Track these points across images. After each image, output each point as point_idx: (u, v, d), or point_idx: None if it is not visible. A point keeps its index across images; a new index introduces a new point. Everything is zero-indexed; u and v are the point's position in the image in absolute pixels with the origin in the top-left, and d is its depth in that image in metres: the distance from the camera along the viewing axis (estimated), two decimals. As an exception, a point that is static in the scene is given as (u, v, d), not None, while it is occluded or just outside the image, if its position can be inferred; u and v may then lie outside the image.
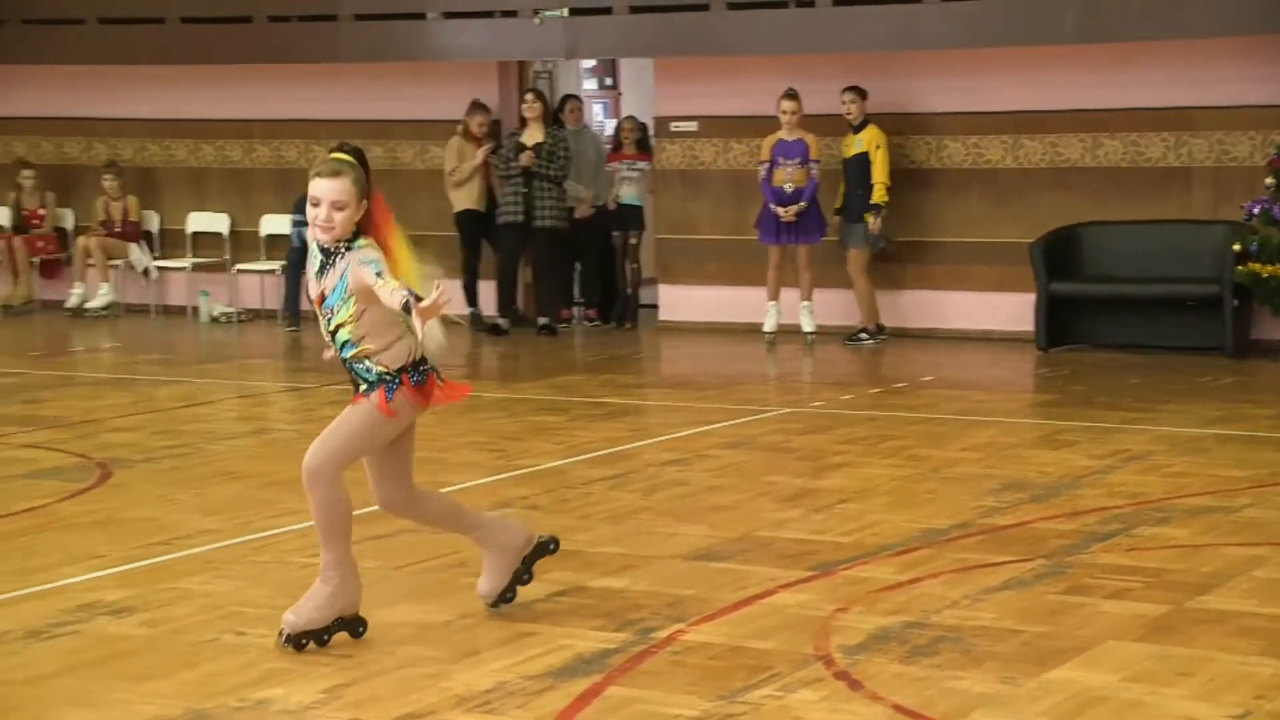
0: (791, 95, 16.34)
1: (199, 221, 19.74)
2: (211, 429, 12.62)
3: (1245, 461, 10.76)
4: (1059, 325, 15.94)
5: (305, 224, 17.74)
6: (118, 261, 19.43)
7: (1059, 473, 10.40)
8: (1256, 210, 14.86)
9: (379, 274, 6.57)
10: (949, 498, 9.71)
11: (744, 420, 12.46)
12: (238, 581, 7.97)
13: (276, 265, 18.85)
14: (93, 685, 6.49)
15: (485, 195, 17.78)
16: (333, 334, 6.81)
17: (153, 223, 19.88)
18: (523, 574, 7.38)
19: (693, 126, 17.84)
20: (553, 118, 17.94)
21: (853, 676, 6.51)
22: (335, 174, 6.61)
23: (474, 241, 17.87)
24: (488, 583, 7.34)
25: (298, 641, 6.75)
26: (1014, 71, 16.39)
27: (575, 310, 18.51)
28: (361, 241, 6.70)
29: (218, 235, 19.62)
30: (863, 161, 16.29)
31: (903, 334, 16.78)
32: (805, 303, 16.58)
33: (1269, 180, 14.83)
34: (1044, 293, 15.86)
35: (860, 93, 16.31)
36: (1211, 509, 9.44)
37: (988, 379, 14.76)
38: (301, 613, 6.77)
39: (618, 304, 18.47)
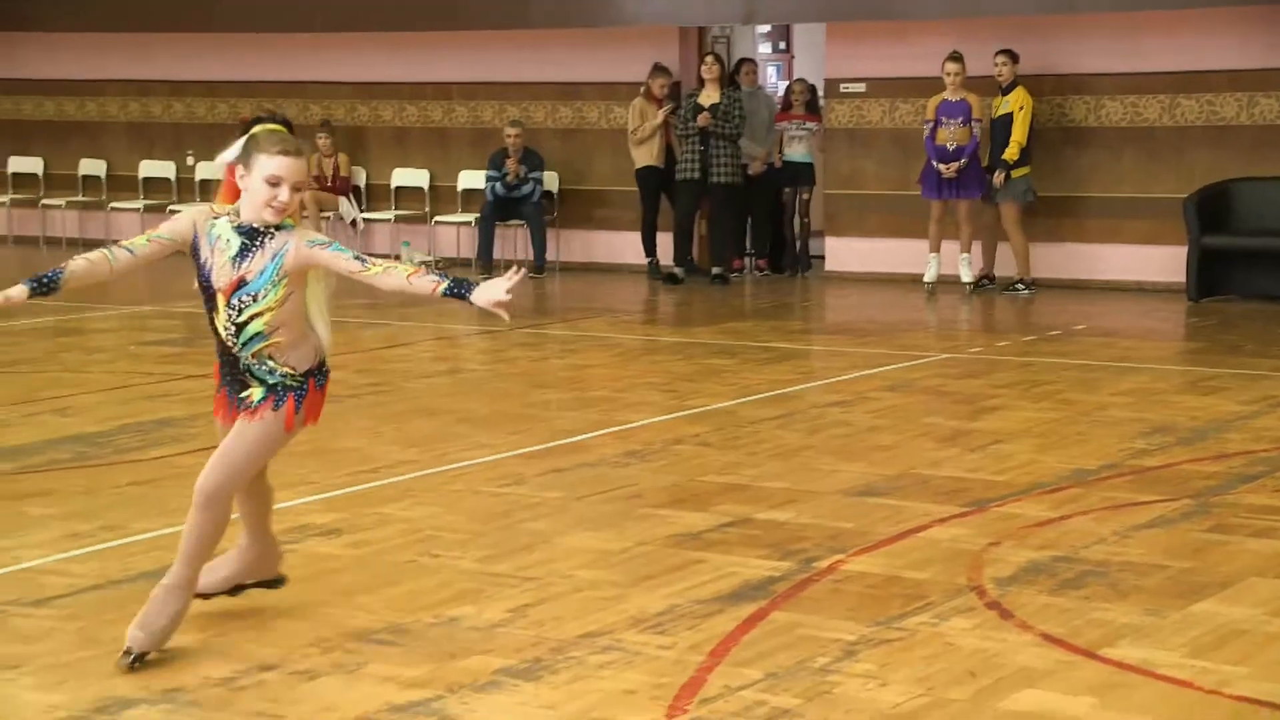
0: (956, 58, 16.28)
1: (402, 177, 19.94)
2: (410, 368, 12.78)
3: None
4: (1209, 277, 15.77)
5: (499, 179, 18.24)
6: (329, 213, 19.70)
7: (1206, 417, 10.30)
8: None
9: (359, 258, 5.97)
10: (1099, 440, 9.64)
11: (904, 365, 12.43)
12: (433, 508, 8.09)
13: (471, 217, 19.01)
14: (303, 599, 6.62)
15: (664, 152, 17.83)
16: (239, 326, 5.83)
17: (360, 178, 20.12)
18: (238, 590, 6.42)
19: (861, 88, 17.78)
20: (729, 80, 17.94)
21: (1003, 606, 6.50)
22: (300, 153, 5.89)
23: (653, 196, 17.93)
24: (219, 572, 6.34)
25: (142, 658, 5.81)
26: (1171, 34, 16.17)
27: (746, 261, 18.52)
28: (290, 222, 5.89)
29: (418, 189, 19.81)
30: (1007, 121, 16.25)
31: (1057, 285, 16.65)
32: (964, 255, 16.58)
33: None
34: (1196, 246, 15.71)
35: (1012, 56, 16.24)
36: (1352, 455, 9.32)
37: (1138, 328, 14.60)
38: (153, 630, 5.83)
39: (786, 255, 18.49)
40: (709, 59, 17.67)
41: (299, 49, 20.00)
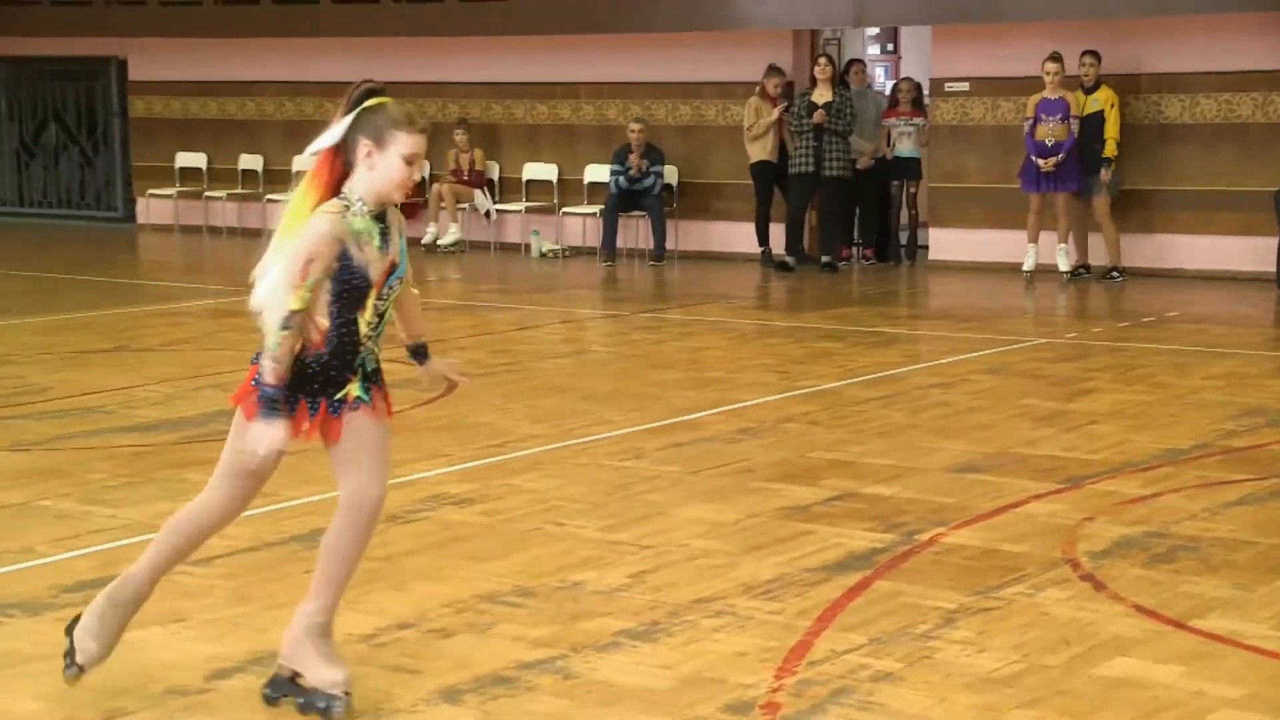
0: (1056, 58, 16.14)
1: (532, 170, 20.00)
2: (538, 349, 12.83)
3: None
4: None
5: (623, 173, 18.27)
6: (465, 205, 19.81)
7: (1292, 401, 10.17)
8: None
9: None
10: (1191, 421, 9.53)
11: (1003, 349, 12.33)
12: (559, 480, 8.12)
13: (596, 209, 19.03)
14: (438, 563, 6.68)
15: (778, 148, 17.78)
16: (381, 316, 5.13)
17: (494, 171, 20.19)
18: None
19: (965, 86, 17.66)
20: (839, 79, 17.86)
21: (1097, 579, 6.45)
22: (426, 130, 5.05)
23: (767, 189, 17.90)
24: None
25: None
26: (1262, 34, 15.94)
27: (854, 250, 18.43)
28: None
29: (548, 182, 19.86)
30: (1098, 119, 16.10)
31: (1151, 274, 16.47)
32: (1061, 245, 16.46)
33: None
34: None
35: (1096, 56, 16.12)
36: None
37: (1230, 315, 14.40)
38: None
39: (892, 245, 18.40)
40: (821, 60, 17.61)
41: (439, 52, 20.10)
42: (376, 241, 4.97)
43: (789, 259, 17.63)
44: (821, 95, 17.25)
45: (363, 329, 5.07)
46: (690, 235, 18.95)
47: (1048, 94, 16.23)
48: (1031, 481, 8.03)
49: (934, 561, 6.72)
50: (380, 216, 4.99)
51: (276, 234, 5.05)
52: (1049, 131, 16.21)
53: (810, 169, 17.30)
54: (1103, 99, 16.15)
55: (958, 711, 5.09)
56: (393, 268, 5.05)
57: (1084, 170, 16.23)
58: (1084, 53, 16.14)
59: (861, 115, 17.69)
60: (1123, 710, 5.09)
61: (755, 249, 17.99)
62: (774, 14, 17.98)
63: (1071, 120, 16.14)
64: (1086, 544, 6.95)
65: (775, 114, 17.67)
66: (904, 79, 19.02)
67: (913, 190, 18.34)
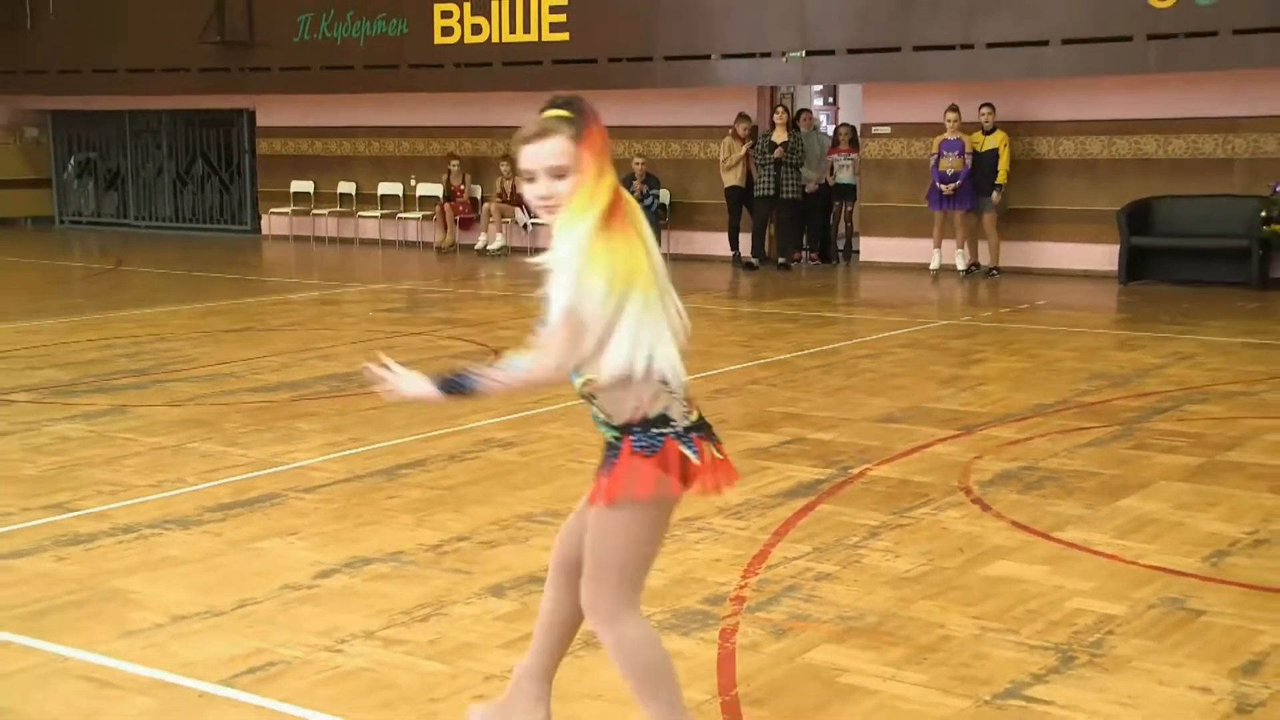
0: (954, 109, 16.12)
1: (559, 192, 19.94)
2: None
3: (1263, 360, 10.39)
4: (1135, 267, 15.52)
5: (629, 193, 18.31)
6: (509, 219, 19.77)
7: (1132, 367, 10.14)
8: (1278, 189, 14.37)
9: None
10: (1054, 383, 9.52)
11: (915, 329, 12.32)
12: (579, 428, 8.10)
13: (608, 221, 19.01)
14: (487, 491, 6.69)
15: (746, 176, 17.72)
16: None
17: (530, 193, 20.13)
18: None
19: (887, 130, 17.60)
20: (793, 124, 17.81)
21: (984, 502, 6.46)
22: (545, 133, 3.39)
23: (737, 207, 17.85)
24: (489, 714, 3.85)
25: None
26: (1112, 92, 15.89)
27: (804, 254, 18.40)
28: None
29: (571, 201, 19.81)
30: (993, 155, 16.09)
31: (1026, 272, 16.44)
32: (959, 250, 16.45)
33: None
34: (1126, 244, 15.45)
35: (992, 107, 16.07)
36: (1237, 393, 9.14)
37: (1084, 303, 14.36)
38: None
39: (832, 250, 18.37)
40: (779, 109, 17.53)
41: (489, 104, 20.02)
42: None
43: (754, 260, 17.62)
44: (779, 136, 17.20)
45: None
46: (679, 242, 18.91)
47: (948, 135, 16.19)
48: (936, 429, 8.04)
49: (862, 490, 6.73)
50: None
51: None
52: (949, 164, 16.19)
53: (771, 192, 17.26)
54: (997, 139, 16.10)
55: (879, 602, 5.10)
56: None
57: (977, 193, 16.20)
58: (982, 105, 16.09)
59: (810, 151, 17.63)
60: (1002, 600, 5.10)
61: (728, 253, 17.97)
62: (743, 74, 17.91)
63: (966, 155, 16.12)
64: (976, 476, 6.97)
65: (743, 150, 17.61)
66: (842, 124, 18.99)
67: (849, 209, 18.34)
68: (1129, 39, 15.02)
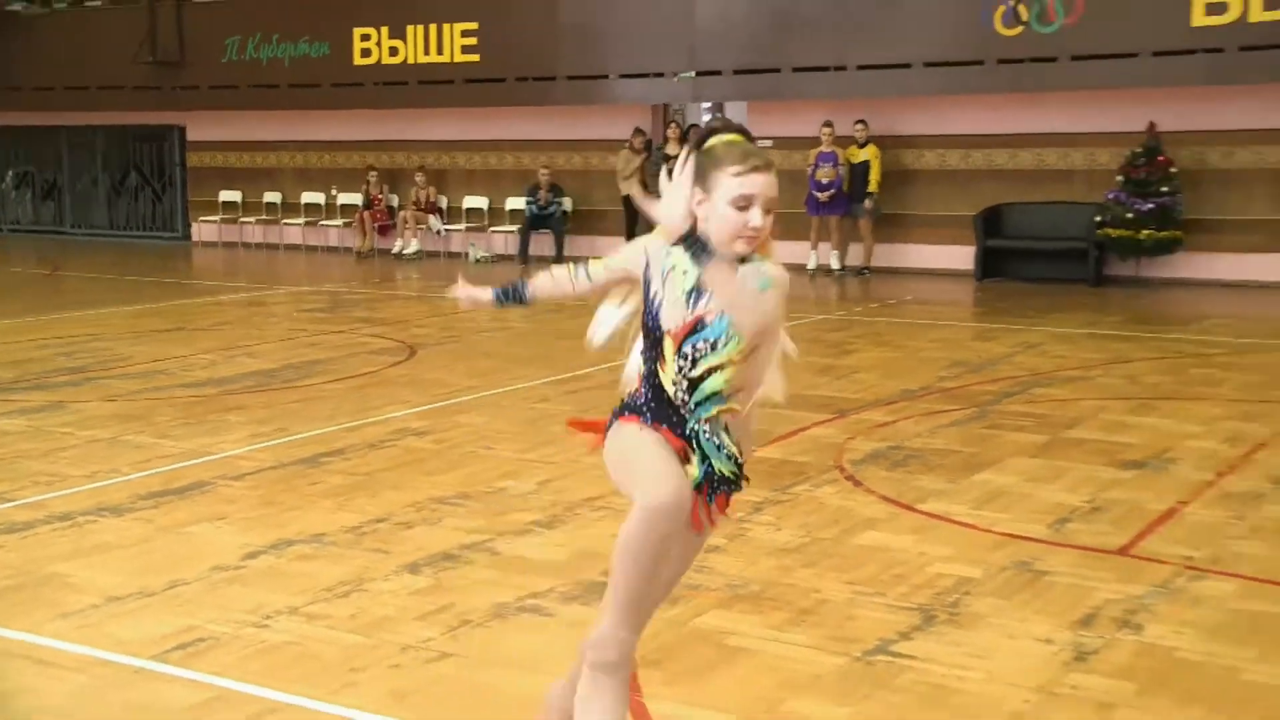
0: (828, 124, 16.25)
1: (470, 201, 19.80)
2: (474, 326, 12.70)
3: (1100, 349, 10.60)
4: (989, 266, 15.76)
5: (535, 202, 18.21)
6: (423, 225, 19.61)
7: (986, 356, 10.29)
8: (1111, 197, 14.69)
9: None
10: (919, 371, 9.64)
11: (794, 323, 12.39)
12: (488, 417, 8.08)
13: (515, 228, 18.94)
14: (403, 477, 6.62)
15: (642, 185, 17.73)
16: (692, 382, 3.07)
17: (443, 202, 19.98)
18: None
19: (769, 143, 17.66)
20: (684, 137, 17.84)
21: (856, 478, 6.52)
22: (771, 166, 3.05)
23: (634, 215, 17.85)
24: None
25: None
26: (968, 109, 16.12)
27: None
28: (760, 255, 3.14)
29: (481, 209, 19.70)
30: (866, 166, 16.24)
31: (893, 271, 16.63)
32: (834, 251, 16.60)
33: (1119, 178, 14.59)
34: (981, 246, 15.69)
35: (865, 123, 16.21)
36: (1078, 378, 9.32)
37: (945, 299, 14.57)
38: None
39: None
40: (672, 124, 17.57)
41: (407, 119, 19.86)
42: (685, 285, 3.04)
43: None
44: (672, 149, 17.21)
45: (668, 386, 3.10)
46: (581, 246, 18.85)
47: (824, 148, 16.34)
48: (813, 414, 8.09)
49: (748, 469, 6.73)
50: (746, 264, 3.08)
51: None
52: (824, 174, 16.33)
53: (663, 200, 17.29)
54: (870, 152, 16.25)
55: (763, 571, 5.13)
56: (697, 326, 3.05)
57: (851, 200, 16.35)
58: (856, 121, 16.25)
59: (698, 163, 17.70)
60: (873, 567, 5.15)
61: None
62: (638, 93, 17.92)
63: (840, 166, 16.29)
64: (849, 455, 7.03)
65: (638, 162, 17.62)
66: (728, 138, 19.05)
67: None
68: (981, 63, 15.26)
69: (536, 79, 18.24)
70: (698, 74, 17.20)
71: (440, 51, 18.98)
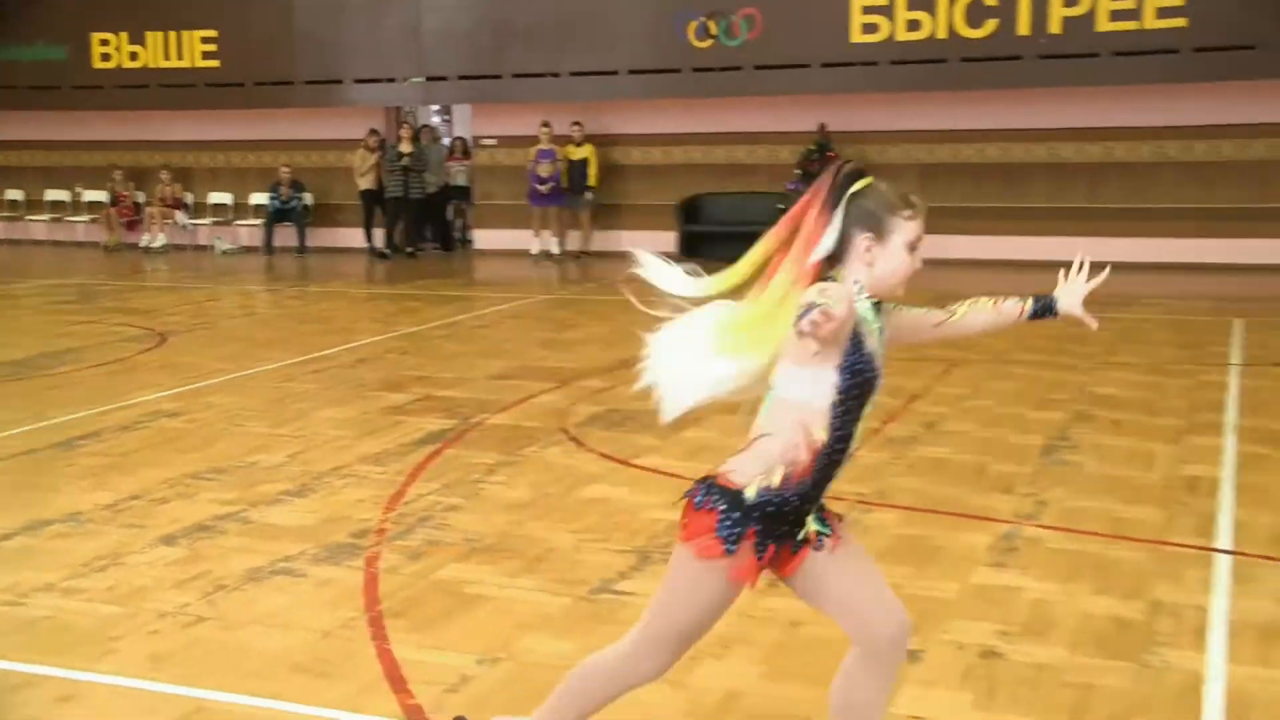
0: (546, 124, 16.28)
1: (216, 197, 18.97)
2: (223, 313, 12.23)
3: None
4: (690, 249, 16.02)
5: (277, 197, 17.66)
6: (169, 220, 18.66)
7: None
8: (791, 187, 15.19)
9: (937, 310, 2.84)
10: (632, 342, 9.70)
11: (521, 303, 12.42)
12: (238, 397, 7.80)
13: (260, 222, 18.27)
14: (157, 455, 6.33)
15: (378, 180, 17.37)
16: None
17: (189, 198, 19.06)
18: None
19: (494, 141, 17.62)
20: (416, 136, 17.56)
21: (579, 439, 6.58)
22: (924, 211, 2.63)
23: (371, 207, 17.48)
24: None
25: None
26: (669, 112, 16.43)
27: (427, 244, 18.22)
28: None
29: (226, 204, 18.91)
30: (584, 162, 16.37)
31: (610, 254, 16.82)
32: (555, 238, 16.68)
33: (797, 171, 15.15)
34: (683, 230, 16.04)
35: (580, 124, 16.34)
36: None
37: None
38: None
39: (451, 240, 18.26)
40: (405, 125, 17.26)
41: (148, 119, 18.85)
42: (876, 335, 2.60)
43: (386, 251, 17.30)
44: (405, 147, 16.93)
45: (857, 439, 2.62)
46: (322, 237, 18.37)
47: (543, 146, 16.36)
48: (540, 383, 8.12)
49: (481, 435, 6.73)
50: (878, 311, 2.62)
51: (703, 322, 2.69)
52: (544, 169, 16.35)
53: (400, 194, 16.98)
54: (587, 150, 16.35)
55: (497, 525, 5.14)
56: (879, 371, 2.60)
57: (570, 192, 16.45)
58: (573, 121, 16.33)
59: (431, 159, 17.46)
60: (595, 516, 5.22)
61: (364, 245, 17.59)
62: (372, 96, 17.51)
63: (558, 162, 16.36)
64: (573, 419, 7.09)
65: (374, 159, 17.25)
66: (457, 137, 18.89)
67: (464, 206, 18.27)
68: (679, 71, 15.59)
69: (275, 83, 17.60)
70: (427, 79, 16.95)
71: (180, 56, 18.10)
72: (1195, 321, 10.55)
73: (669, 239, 16.42)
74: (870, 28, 14.81)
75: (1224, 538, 4.86)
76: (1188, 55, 13.55)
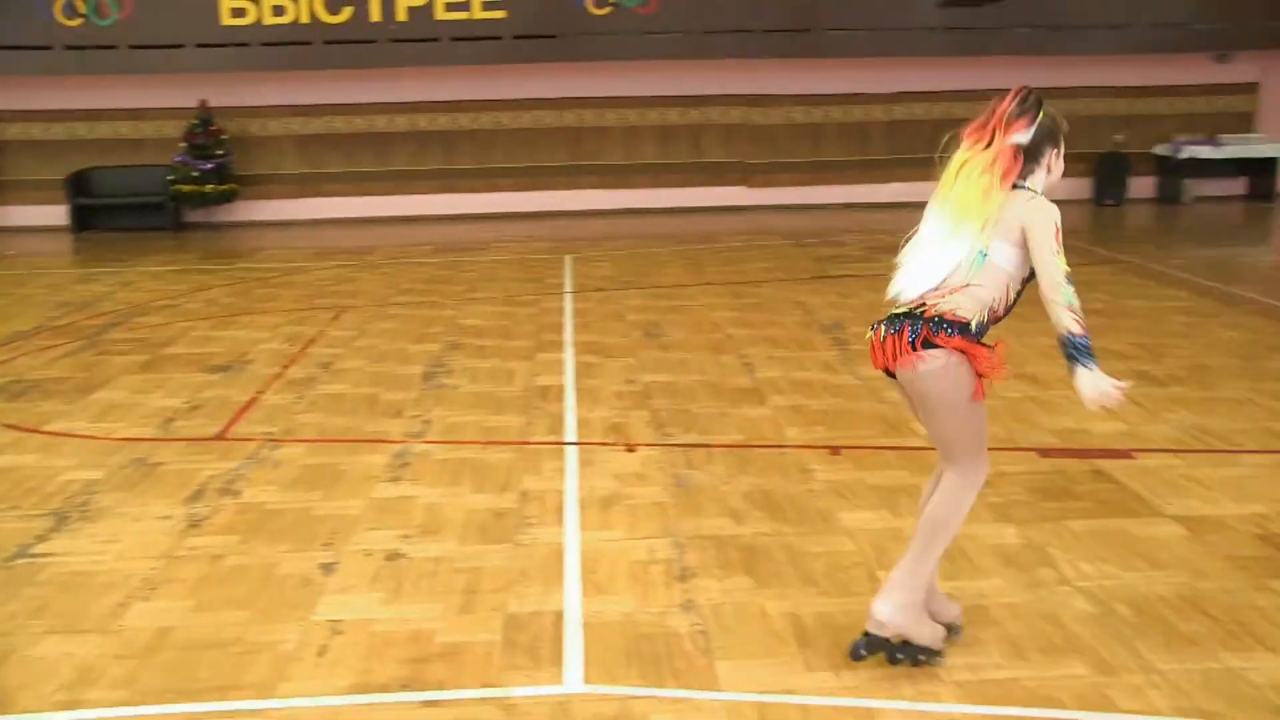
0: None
1: None
2: None
3: (184, 281, 10.21)
4: (83, 220, 14.32)
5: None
6: None
7: (90, 295, 9.47)
8: (179, 160, 14.16)
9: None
10: (30, 313, 8.60)
11: None
12: None
13: None
14: None
15: None
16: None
17: None
18: (896, 652, 3.08)
19: None
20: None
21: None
22: None
23: None
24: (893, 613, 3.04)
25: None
26: (53, 89, 14.52)
27: None
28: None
29: None
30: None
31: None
32: None
33: (183, 145, 14.13)
34: (74, 203, 14.31)
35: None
36: (167, 306, 8.92)
37: (48, 251, 13.05)
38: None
39: None
40: None
41: None
42: None
43: None
44: None
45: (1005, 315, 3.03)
46: None
47: None
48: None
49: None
50: None
51: (941, 210, 2.92)
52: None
53: None
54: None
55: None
56: None
57: None
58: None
59: None
60: (5, 485, 4.59)
61: None
62: None
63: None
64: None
65: None
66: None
67: None
68: (49, 48, 13.81)
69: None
70: None
71: None
72: (536, 259, 11.33)
73: (60, 212, 14.69)
74: (239, 11, 14.08)
75: (570, 433, 5.33)
76: (509, 41, 14.39)
